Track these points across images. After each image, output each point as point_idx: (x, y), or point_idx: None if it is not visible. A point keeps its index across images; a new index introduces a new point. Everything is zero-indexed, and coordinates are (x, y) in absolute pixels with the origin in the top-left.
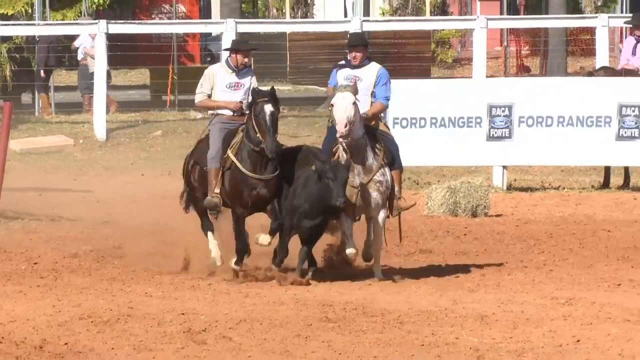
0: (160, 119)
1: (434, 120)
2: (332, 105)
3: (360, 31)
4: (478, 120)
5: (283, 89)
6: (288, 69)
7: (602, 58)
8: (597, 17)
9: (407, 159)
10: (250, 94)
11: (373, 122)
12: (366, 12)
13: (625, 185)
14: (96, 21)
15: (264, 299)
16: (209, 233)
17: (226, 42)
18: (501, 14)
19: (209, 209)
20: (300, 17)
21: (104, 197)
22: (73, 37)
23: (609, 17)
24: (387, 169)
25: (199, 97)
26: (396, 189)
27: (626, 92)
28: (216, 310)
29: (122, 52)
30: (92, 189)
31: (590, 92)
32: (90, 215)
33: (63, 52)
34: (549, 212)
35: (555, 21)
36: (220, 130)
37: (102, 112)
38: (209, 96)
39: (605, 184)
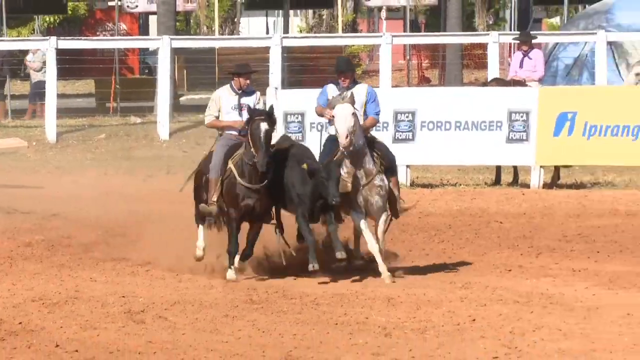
0: (104, 123)
1: None
2: (333, 116)
3: (346, 57)
4: (385, 124)
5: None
6: (217, 79)
7: (493, 70)
8: (488, 34)
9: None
10: (247, 112)
11: (368, 135)
12: (285, 29)
13: (515, 182)
14: (47, 37)
15: (195, 283)
16: (200, 226)
17: (162, 57)
18: (404, 31)
19: (205, 215)
20: (228, 34)
21: (54, 193)
22: (26, 52)
23: (499, 34)
24: (384, 176)
25: (208, 119)
26: (396, 192)
27: (515, 100)
28: (153, 293)
29: (70, 64)
30: (43, 186)
31: (483, 100)
32: (42, 209)
33: (18, 65)
34: (448, 206)
35: (452, 37)
36: (223, 145)
37: (52, 118)
38: (217, 117)
39: (497, 181)
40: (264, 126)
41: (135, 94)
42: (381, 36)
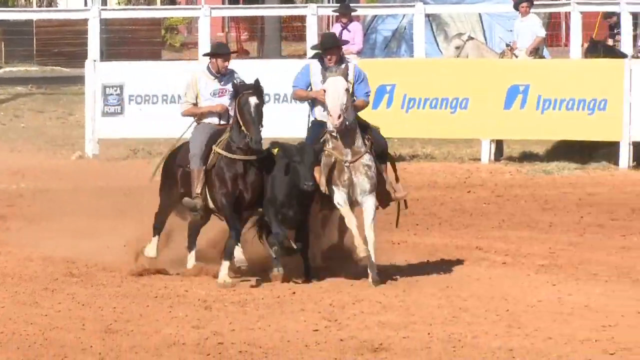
0: None
1: (164, 97)
2: (324, 90)
3: (332, 32)
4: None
5: (31, 69)
6: (35, 52)
7: (312, 42)
8: (307, 6)
9: (142, 131)
10: (233, 88)
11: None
12: (104, 1)
13: None
14: None
15: (14, 257)
16: (190, 254)
17: None
18: (223, 3)
19: (190, 210)
20: (46, 6)
21: None
22: None
23: (318, 6)
24: (373, 157)
25: (183, 107)
26: (388, 180)
27: None
28: None
29: None
30: None
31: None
32: None
33: None
34: None
35: (270, 10)
36: (202, 133)
37: None
38: (195, 105)
39: None
40: (253, 100)
41: None
42: (200, 8)
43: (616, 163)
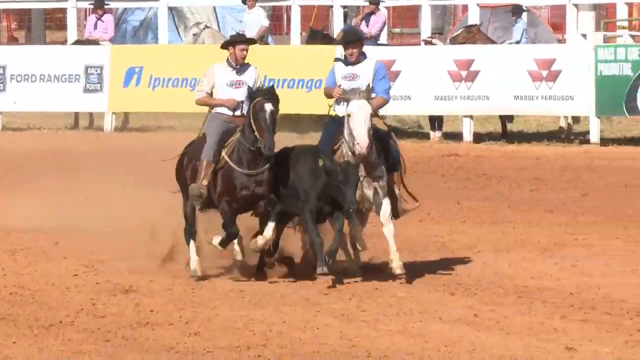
0: None
1: None
2: (349, 115)
3: (354, 27)
4: None
5: None
6: None
7: (72, 31)
8: (67, 0)
9: None
10: (248, 92)
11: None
12: None
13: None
14: None
15: None
16: (191, 242)
17: None
18: None
19: (193, 197)
20: None
21: None
22: None
23: (77, 0)
24: (383, 168)
25: (198, 95)
26: (397, 191)
27: (90, 57)
28: None
29: None
30: None
31: (63, 57)
32: None
33: None
34: (35, 146)
35: (34, 3)
36: (218, 125)
37: None
38: (210, 94)
39: (76, 125)
40: (268, 107)
41: None
42: None
43: None
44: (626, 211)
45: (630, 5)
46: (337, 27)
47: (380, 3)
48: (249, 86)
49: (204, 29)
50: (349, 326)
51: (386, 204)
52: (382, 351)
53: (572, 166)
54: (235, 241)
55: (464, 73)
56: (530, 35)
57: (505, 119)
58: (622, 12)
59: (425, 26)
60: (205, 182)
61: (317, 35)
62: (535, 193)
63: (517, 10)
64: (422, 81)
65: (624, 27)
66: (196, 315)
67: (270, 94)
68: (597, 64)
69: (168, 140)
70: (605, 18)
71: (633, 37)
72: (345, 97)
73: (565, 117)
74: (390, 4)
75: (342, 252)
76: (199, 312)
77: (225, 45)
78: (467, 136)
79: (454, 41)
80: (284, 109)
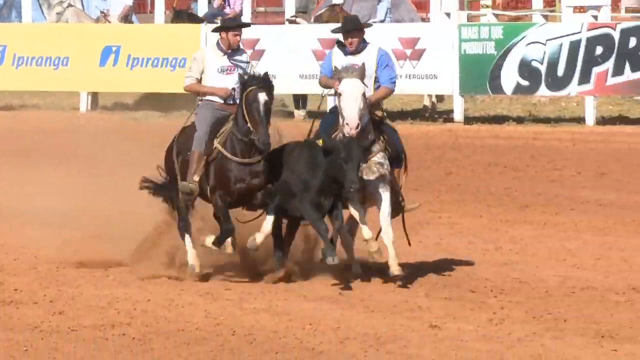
0: None
1: None
2: (340, 93)
3: (354, 15)
4: None
5: None
6: None
7: None
8: None
9: None
10: (239, 80)
11: (379, 114)
12: None
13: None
14: None
15: None
16: (186, 236)
17: None
18: None
19: (184, 195)
20: None
21: None
22: None
23: None
24: (386, 157)
25: (187, 81)
26: (400, 189)
27: None
28: None
29: None
30: None
31: None
32: None
33: None
34: None
35: None
36: (209, 113)
37: None
38: (199, 80)
39: None
40: (262, 97)
41: None
42: None
43: None
44: (489, 189)
45: None
46: (201, 8)
47: None
48: (240, 73)
49: (67, 7)
50: (214, 304)
51: (386, 204)
52: (246, 329)
53: (436, 145)
54: None
55: (328, 52)
56: (395, 14)
57: None
58: None
59: (290, 5)
60: (196, 178)
61: (182, 15)
62: None
63: None
64: (287, 60)
65: (487, 6)
66: (61, 294)
67: (264, 82)
68: (461, 42)
69: (28, 118)
70: None
71: (497, 16)
72: (338, 76)
73: (430, 96)
74: None
75: (345, 252)
76: (63, 290)
77: (216, 30)
78: None
79: (317, 20)
80: (149, 87)
